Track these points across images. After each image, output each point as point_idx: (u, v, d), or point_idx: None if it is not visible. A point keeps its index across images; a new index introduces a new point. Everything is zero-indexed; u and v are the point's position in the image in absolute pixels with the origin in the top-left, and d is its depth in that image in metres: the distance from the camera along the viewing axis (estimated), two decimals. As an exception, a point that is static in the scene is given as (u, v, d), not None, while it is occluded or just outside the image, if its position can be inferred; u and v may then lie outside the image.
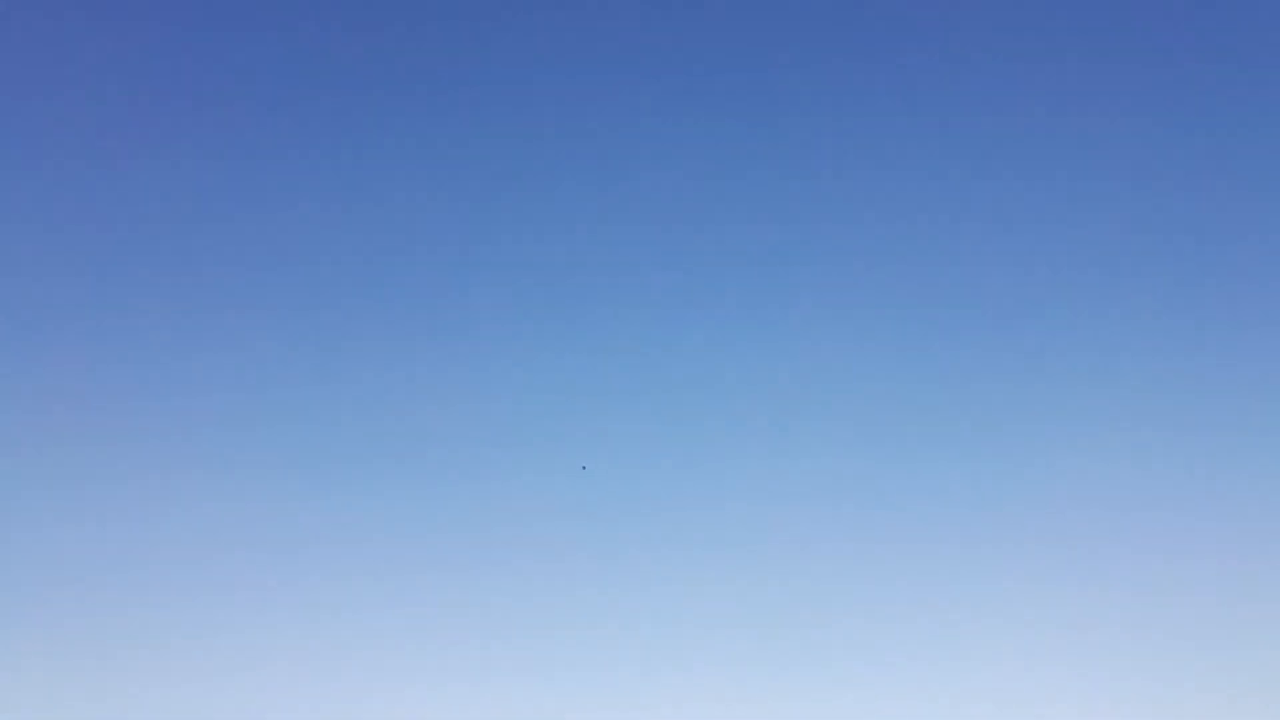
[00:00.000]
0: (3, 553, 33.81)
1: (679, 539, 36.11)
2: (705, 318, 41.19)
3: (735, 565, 35.35)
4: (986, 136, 42.58)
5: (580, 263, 42.01)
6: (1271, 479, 35.10)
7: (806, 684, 32.38)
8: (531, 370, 40.14)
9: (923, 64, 42.98)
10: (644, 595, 34.69)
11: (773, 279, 41.71)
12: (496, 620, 34.18)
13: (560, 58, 44.17)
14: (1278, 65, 40.30)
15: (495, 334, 40.79)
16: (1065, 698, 31.48)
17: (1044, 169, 41.82)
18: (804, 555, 35.52)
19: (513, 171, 43.11)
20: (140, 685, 31.70)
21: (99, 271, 39.83)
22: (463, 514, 36.80)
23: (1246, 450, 36.05)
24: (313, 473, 37.16)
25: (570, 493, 37.09)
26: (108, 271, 39.89)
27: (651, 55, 44.10)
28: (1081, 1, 42.54)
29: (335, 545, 35.39)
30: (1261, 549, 33.92)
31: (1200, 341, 38.42)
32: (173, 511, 35.53)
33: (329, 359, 39.58)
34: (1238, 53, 41.21)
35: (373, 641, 33.36)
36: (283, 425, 38.10)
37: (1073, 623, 33.31)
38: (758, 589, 34.81)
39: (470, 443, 38.43)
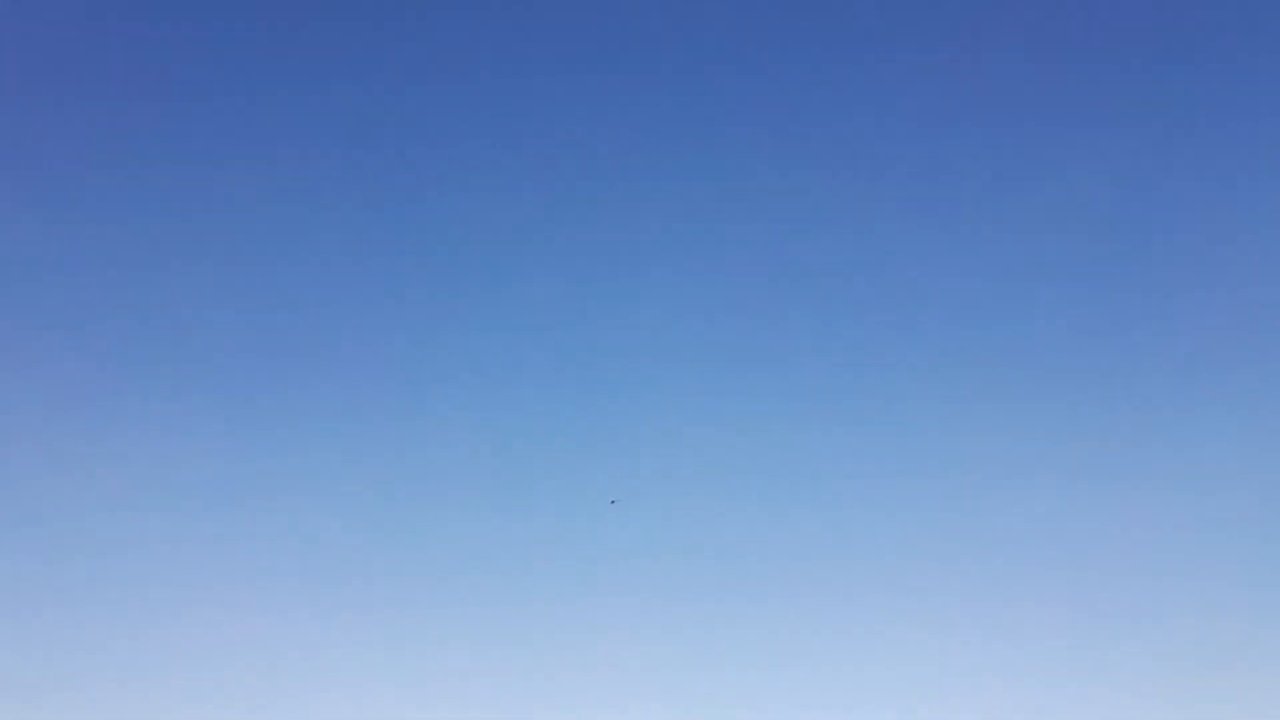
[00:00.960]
0: (3, 552, 33.86)
1: (679, 540, 36.22)
2: (706, 317, 41.30)
3: (736, 565, 35.50)
4: (985, 139, 42.69)
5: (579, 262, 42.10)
6: (1271, 478, 35.16)
7: (806, 684, 32.43)
8: (527, 369, 40.27)
9: (920, 66, 43.03)
10: (645, 595, 34.79)
11: (773, 278, 41.77)
12: (497, 620, 34.32)
13: (556, 59, 44.18)
14: (1276, 65, 40.42)
15: (495, 333, 40.94)
16: (1065, 697, 31.52)
17: (1041, 173, 41.92)
18: (805, 556, 35.61)
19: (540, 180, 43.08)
20: (141, 685, 31.73)
21: (100, 271, 39.95)
22: (463, 514, 36.96)
23: (1247, 450, 36.19)
24: (314, 472, 37.32)
25: (571, 497, 37.21)
26: (108, 271, 40.03)
27: (643, 62, 44.10)
28: (1084, 2, 42.67)
29: (336, 546, 35.53)
30: (1262, 548, 33.99)
31: (1200, 343, 38.52)
32: (174, 511, 35.65)
33: (332, 360, 39.68)
34: (1239, 53, 41.31)
35: (374, 643, 33.47)
36: (284, 426, 38.23)
37: (1073, 624, 33.39)
38: (759, 589, 34.93)
39: (471, 443, 38.57)
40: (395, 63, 43.60)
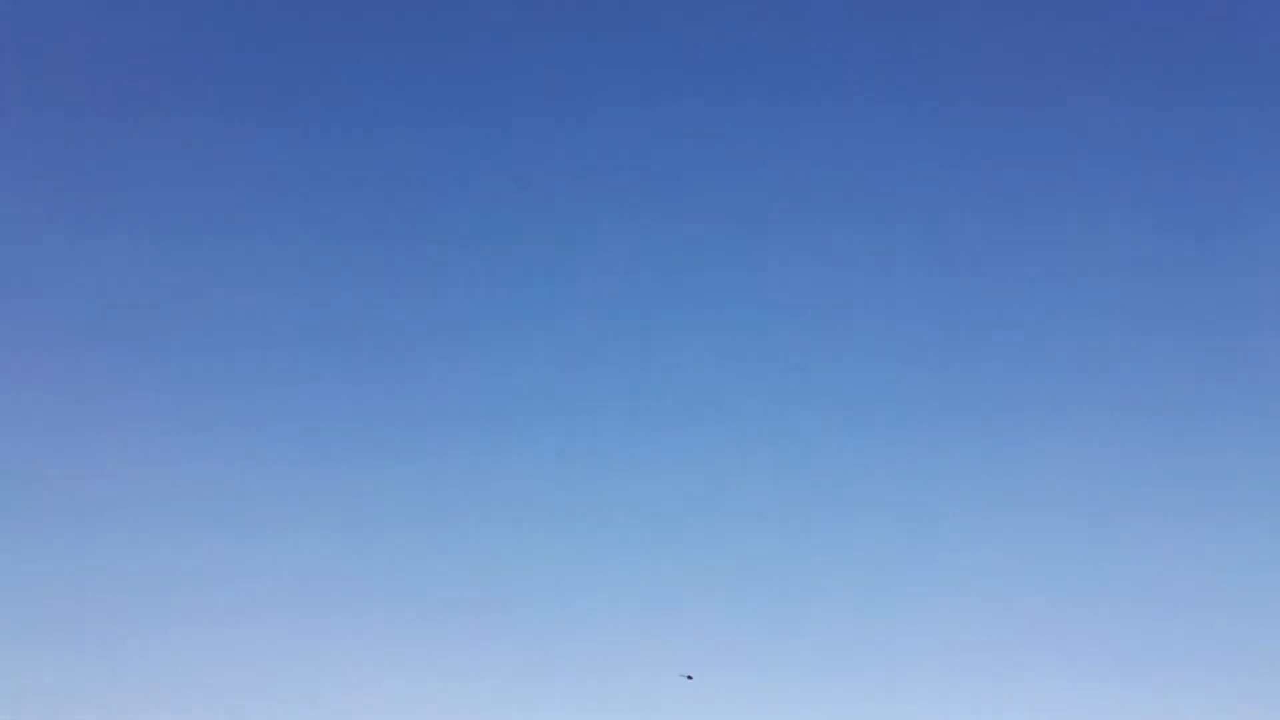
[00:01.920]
0: (3, 552, 33.90)
1: (679, 540, 36.21)
2: (706, 317, 41.31)
3: (735, 566, 35.47)
4: (986, 133, 42.60)
5: (578, 263, 42.12)
6: (1272, 479, 35.12)
7: (808, 683, 32.41)
8: (532, 362, 40.25)
9: (924, 58, 42.99)
10: (645, 596, 34.78)
11: (774, 276, 41.79)
12: (496, 622, 34.29)
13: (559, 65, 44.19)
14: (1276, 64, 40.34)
15: (501, 332, 40.95)
16: (1067, 698, 31.51)
17: (1044, 166, 41.83)
18: (805, 555, 35.58)
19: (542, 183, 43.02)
20: (139, 685, 31.76)
21: (100, 270, 40.01)
22: (464, 515, 36.97)
23: (1248, 450, 36.13)
24: (314, 474, 37.36)
25: (571, 493, 37.18)
26: (107, 270, 40.07)
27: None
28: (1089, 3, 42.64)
29: (337, 548, 35.57)
30: (1262, 548, 33.96)
31: (1202, 338, 38.45)
32: (173, 511, 35.67)
33: (333, 358, 39.69)
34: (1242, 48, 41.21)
35: (374, 643, 33.48)
36: (284, 429, 38.25)
37: (1074, 624, 33.38)
38: (758, 590, 34.90)
39: (472, 438, 38.59)
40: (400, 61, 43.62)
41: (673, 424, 39.18)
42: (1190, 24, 41.90)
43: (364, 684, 32.35)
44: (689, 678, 30.17)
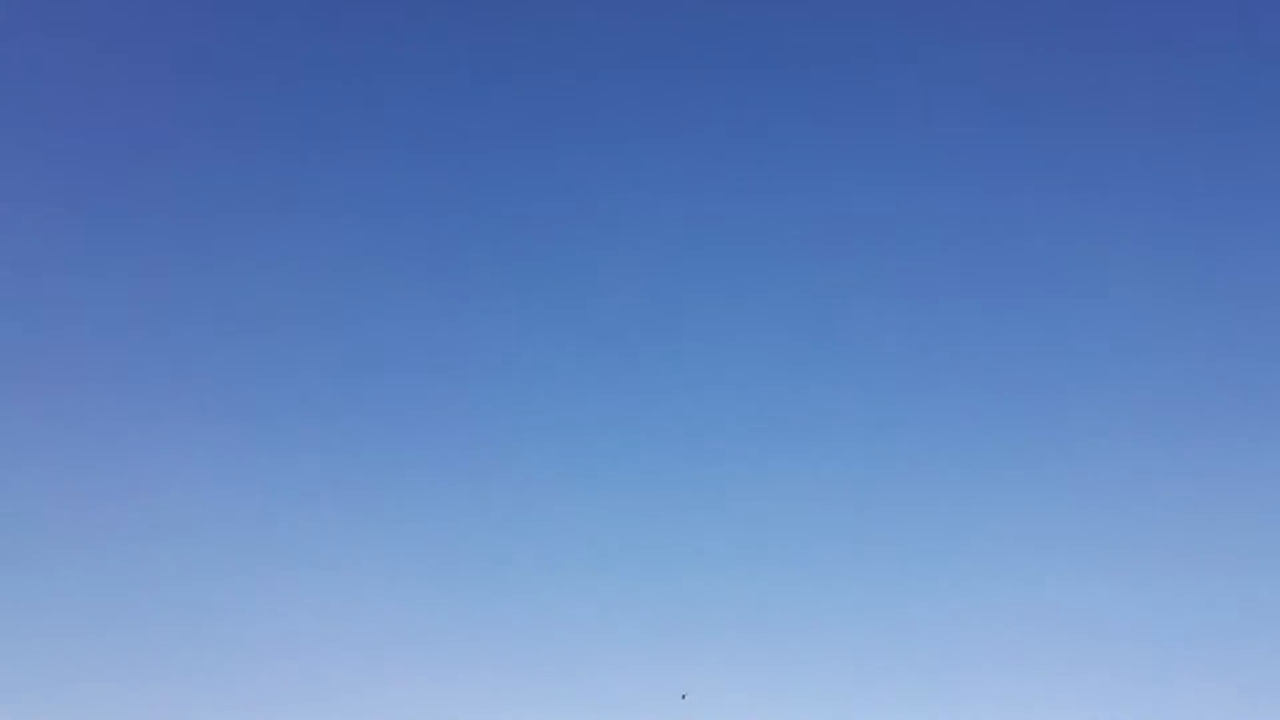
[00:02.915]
0: (4, 552, 33.94)
1: (680, 540, 36.26)
2: (707, 321, 41.38)
3: (736, 565, 35.55)
4: (990, 144, 42.67)
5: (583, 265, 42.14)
6: (1272, 479, 35.19)
7: (808, 684, 32.46)
8: (535, 367, 40.29)
9: (928, 69, 43.06)
10: (645, 595, 34.84)
11: (776, 283, 41.84)
12: (496, 622, 34.38)
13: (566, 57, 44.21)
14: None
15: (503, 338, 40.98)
16: (1066, 698, 31.57)
17: (1047, 176, 41.89)
18: (804, 555, 35.65)
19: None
20: (140, 685, 31.80)
21: (99, 269, 40.02)
22: (465, 515, 37.06)
23: (1247, 449, 36.21)
24: (315, 474, 37.42)
25: (573, 495, 37.25)
26: (105, 269, 40.10)
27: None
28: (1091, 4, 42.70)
29: (337, 548, 35.64)
30: (1262, 549, 34.03)
31: (1203, 344, 38.54)
32: (173, 510, 35.72)
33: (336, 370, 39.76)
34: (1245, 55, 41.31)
35: (375, 643, 33.54)
36: (284, 429, 38.32)
37: (1074, 624, 33.44)
38: (758, 589, 34.96)
39: (473, 443, 38.65)
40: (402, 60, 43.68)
41: (679, 425, 39.25)
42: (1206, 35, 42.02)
43: (363, 684, 32.40)
44: (683, 697, 30.20)
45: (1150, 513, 35.62)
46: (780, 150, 43.46)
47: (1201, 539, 34.93)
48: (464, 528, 36.65)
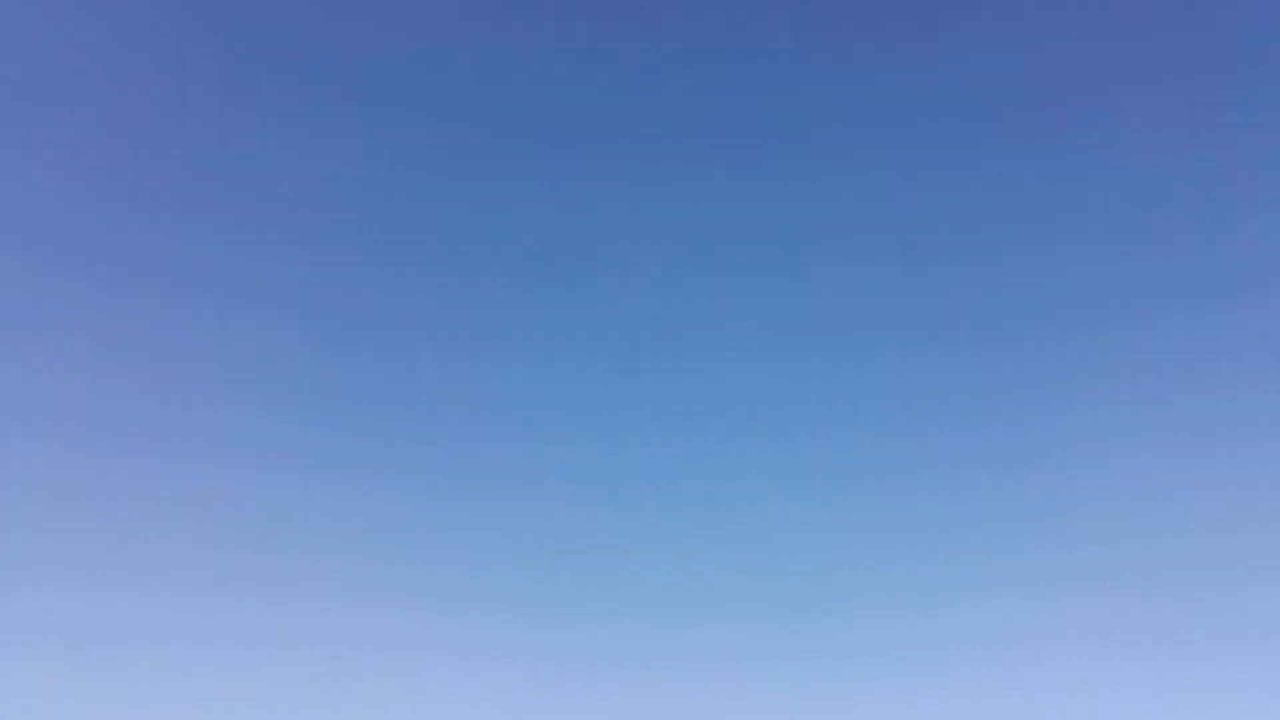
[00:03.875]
0: (3, 552, 33.94)
1: (680, 539, 36.27)
2: (710, 318, 41.42)
3: (737, 565, 35.53)
4: (988, 135, 42.80)
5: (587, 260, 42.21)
6: (1272, 479, 35.25)
7: (809, 682, 32.47)
8: (536, 359, 40.38)
9: (928, 64, 43.13)
10: (646, 594, 34.85)
11: (776, 272, 41.90)
12: (496, 622, 34.34)
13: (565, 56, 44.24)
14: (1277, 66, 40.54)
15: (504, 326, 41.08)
16: (1068, 697, 31.60)
17: (1045, 168, 42.01)
18: (805, 555, 35.68)
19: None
20: (140, 685, 31.80)
21: (99, 269, 40.05)
22: (465, 514, 37.00)
23: (1248, 449, 36.25)
24: (315, 474, 37.39)
25: (574, 492, 37.30)
26: (105, 269, 40.13)
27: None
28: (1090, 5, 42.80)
29: (337, 547, 35.55)
30: (1263, 549, 34.07)
31: (1203, 341, 38.62)
32: (172, 509, 35.70)
33: (332, 355, 39.78)
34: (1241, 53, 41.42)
35: (375, 644, 33.49)
36: (282, 429, 38.32)
37: (1076, 623, 33.46)
38: (759, 588, 34.97)
39: (474, 439, 38.69)
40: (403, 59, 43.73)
41: (683, 426, 39.33)
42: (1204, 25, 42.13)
43: (365, 686, 32.49)
44: None
45: (1152, 512, 35.76)
46: (811, 151, 43.59)
47: (1203, 539, 35.07)
48: (464, 527, 36.77)
